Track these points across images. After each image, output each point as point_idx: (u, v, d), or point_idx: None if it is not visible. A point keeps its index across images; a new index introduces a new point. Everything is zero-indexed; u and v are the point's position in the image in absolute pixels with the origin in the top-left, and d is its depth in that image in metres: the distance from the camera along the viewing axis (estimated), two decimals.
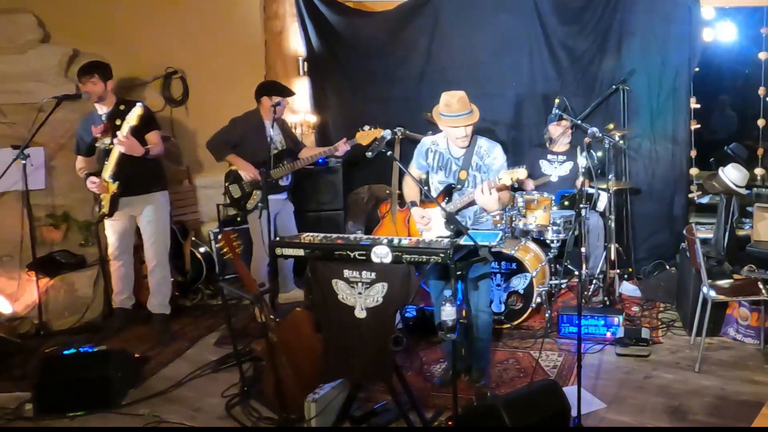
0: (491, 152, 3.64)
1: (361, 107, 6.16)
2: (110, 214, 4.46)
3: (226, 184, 5.03)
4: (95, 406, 3.64)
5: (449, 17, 5.90)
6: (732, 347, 4.27)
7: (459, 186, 3.66)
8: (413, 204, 3.77)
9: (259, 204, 4.29)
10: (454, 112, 3.48)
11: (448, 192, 3.69)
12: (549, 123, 5.38)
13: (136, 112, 4.18)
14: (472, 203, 3.62)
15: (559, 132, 5.34)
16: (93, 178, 4.39)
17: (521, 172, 3.39)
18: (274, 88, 4.99)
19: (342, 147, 4.91)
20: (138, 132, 4.31)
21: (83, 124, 4.53)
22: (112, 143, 4.33)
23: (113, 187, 4.37)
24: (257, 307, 3.52)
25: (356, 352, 3.11)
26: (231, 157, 4.90)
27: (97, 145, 4.45)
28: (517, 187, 4.54)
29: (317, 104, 6.49)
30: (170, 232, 4.86)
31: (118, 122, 4.33)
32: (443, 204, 3.65)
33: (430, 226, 3.72)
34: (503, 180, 3.41)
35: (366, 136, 4.72)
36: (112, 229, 4.61)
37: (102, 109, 4.46)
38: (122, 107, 4.42)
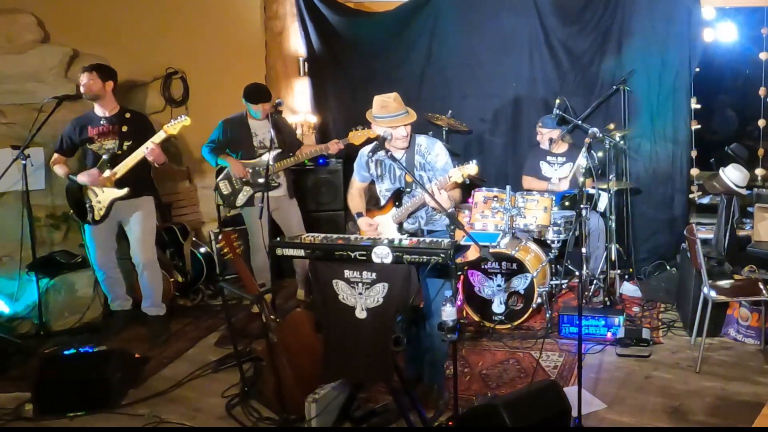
0: (432, 149, 3.59)
1: (361, 107, 6.10)
2: (101, 221, 4.43)
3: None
4: (95, 406, 3.64)
5: (449, 17, 5.89)
6: (732, 348, 4.27)
7: (408, 189, 3.60)
8: (359, 215, 3.72)
9: (260, 204, 4.27)
10: (392, 112, 3.49)
11: (397, 196, 3.63)
12: (545, 126, 5.34)
13: (182, 123, 4.31)
14: (423, 204, 3.56)
15: (547, 136, 5.31)
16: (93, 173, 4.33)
17: (472, 168, 3.33)
18: None
19: (334, 147, 4.91)
20: (144, 139, 4.31)
21: (75, 123, 4.46)
22: (121, 149, 4.33)
23: (121, 192, 4.37)
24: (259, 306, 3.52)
25: (357, 352, 3.11)
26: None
27: (90, 147, 4.41)
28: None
29: (318, 104, 6.48)
30: (171, 232, 4.83)
31: (125, 129, 4.33)
32: (393, 210, 3.61)
33: (380, 232, 3.63)
34: (454, 178, 3.36)
35: (359, 136, 4.71)
36: (95, 238, 4.52)
37: (101, 112, 4.42)
38: (128, 115, 4.43)
